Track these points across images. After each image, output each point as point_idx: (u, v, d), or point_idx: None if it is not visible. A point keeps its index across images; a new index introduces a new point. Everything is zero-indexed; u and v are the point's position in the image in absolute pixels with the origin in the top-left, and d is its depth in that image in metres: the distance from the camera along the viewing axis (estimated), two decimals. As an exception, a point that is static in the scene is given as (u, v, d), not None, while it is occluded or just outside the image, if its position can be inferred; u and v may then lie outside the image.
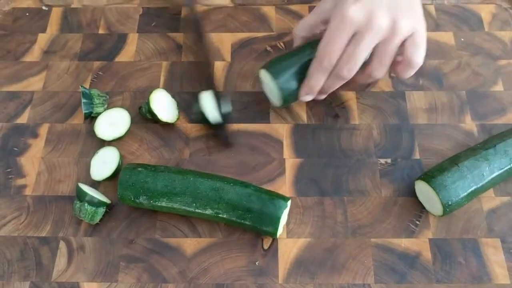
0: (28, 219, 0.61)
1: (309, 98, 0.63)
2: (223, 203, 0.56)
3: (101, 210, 0.60)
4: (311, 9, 0.76)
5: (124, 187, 0.58)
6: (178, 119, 0.67)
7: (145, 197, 0.57)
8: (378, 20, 0.54)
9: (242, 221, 0.57)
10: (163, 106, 0.66)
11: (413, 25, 0.56)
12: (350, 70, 0.57)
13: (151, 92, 0.66)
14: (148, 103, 0.65)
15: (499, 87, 0.69)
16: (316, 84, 0.61)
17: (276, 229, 0.56)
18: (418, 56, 0.58)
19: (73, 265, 0.58)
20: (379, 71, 0.59)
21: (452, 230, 0.60)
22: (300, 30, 0.65)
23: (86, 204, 0.58)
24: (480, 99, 0.68)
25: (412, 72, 0.60)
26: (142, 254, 0.59)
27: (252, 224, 0.57)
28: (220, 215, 0.57)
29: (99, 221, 0.60)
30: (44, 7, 0.78)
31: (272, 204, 0.56)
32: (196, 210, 0.57)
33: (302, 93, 0.62)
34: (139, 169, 0.58)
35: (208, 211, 0.57)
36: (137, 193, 0.57)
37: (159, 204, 0.57)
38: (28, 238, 0.60)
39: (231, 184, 0.57)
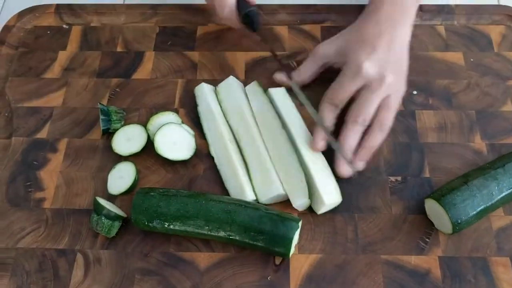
0: (46, 231, 0.63)
1: (322, 143, 0.64)
2: (235, 225, 0.57)
3: (118, 223, 0.61)
4: (322, 29, 0.78)
5: (137, 212, 0.59)
6: (195, 153, 0.66)
7: (158, 221, 0.59)
8: (387, 78, 0.62)
9: (255, 242, 0.58)
10: (175, 142, 0.66)
11: (404, 88, 0.66)
12: (365, 120, 0.63)
13: (158, 130, 0.65)
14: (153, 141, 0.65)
15: (508, 107, 0.70)
16: (327, 121, 0.64)
17: (289, 250, 0.57)
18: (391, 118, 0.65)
19: (89, 277, 0.60)
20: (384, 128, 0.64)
21: (462, 248, 0.60)
22: (317, 57, 0.69)
23: (103, 218, 0.60)
24: (490, 119, 0.69)
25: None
26: (156, 267, 0.60)
27: (265, 246, 0.58)
28: (232, 237, 0.58)
29: (115, 234, 0.62)
30: (64, 26, 0.81)
31: (284, 226, 0.57)
32: (209, 233, 0.58)
33: (317, 139, 0.64)
34: (152, 193, 0.60)
35: (221, 234, 0.58)
36: (150, 217, 0.59)
37: (172, 228, 0.59)
38: (46, 250, 0.62)
39: (243, 206, 0.58)
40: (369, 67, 0.62)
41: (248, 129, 0.67)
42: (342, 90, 0.64)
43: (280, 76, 0.72)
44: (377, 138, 0.63)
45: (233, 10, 0.70)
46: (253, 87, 0.70)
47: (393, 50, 0.64)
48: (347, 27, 0.69)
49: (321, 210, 0.62)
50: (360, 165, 0.63)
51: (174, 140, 0.66)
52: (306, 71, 0.71)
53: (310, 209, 0.63)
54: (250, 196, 0.62)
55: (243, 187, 0.63)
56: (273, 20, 0.80)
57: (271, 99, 0.69)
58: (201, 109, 0.70)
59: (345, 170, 0.63)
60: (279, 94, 0.70)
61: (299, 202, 0.62)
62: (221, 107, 0.70)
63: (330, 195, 0.61)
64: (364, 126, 0.63)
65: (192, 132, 0.68)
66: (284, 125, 0.66)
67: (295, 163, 0.63)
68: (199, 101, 0.71)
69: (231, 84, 0.70)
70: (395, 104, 0.64)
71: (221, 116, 0.69)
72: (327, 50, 0.69)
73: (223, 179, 0.65)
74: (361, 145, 0.63)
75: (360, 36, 0.65)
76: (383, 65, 0.63)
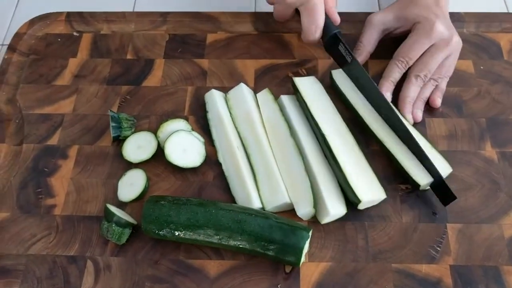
0: (57, 238, 0.63)
1: (389, 94, 0.69)
2: (245, 235, 0.57)
3: (128, 230, 0.61)
4: (332, 36, 0.78)
5: (147, 221, 0.59)
6: (205, 160, 0.67)
7: (168, 229, 0.59)
8: (454, 38, 0.69)
9: (265, 252, 0.58)
10: (184, 149, 0.66)
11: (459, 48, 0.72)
12: (426, 76, 0.68)
13: (168, 137, 0.66)
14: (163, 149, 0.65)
15: (519, 115, 0.70)
16: (394, 76, 0.69)
17: (299, 259, 0.57)
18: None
19: (99, 284, 0.60)
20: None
21: (473, 257, 0.60)
22: (375, 24, 0.72)
23: (113, 225, 0.60)
24: (500, 126, 0.69)
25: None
26: (166, 274, 0.60)
27: (275, 255, 0.58)
28: (243, 246, 0.58)
29: (126, 241, 0.62)
30: (75, 33, 0.81)
31: (294, 235, 0.57)
32: (219, 242, 0.58)
33: (383, 88, 0.68)
34: (162, 202, 0.60)
35: (231, 243, 0.58)
36: (160, 226, 0.59)
37: (182, 236, 0.59)
38: (56, 257, 0.62)
39: (253, 215, 0.58)
40: (440, 27, 0.68)
41: (257, 136, 0.67)
42: (416, 48, 0.68)
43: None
44: (429, 91, 0.70)
45: (320, 31, 0.71)
46: (264, 95, 0.70)
47: (447, 13, 0.71)
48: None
49: (325, 220, 0.62)
50: (419, 114, 0.69)
51: (184, 148, 0.66)
52: (369, 41, 0.73)
53: (320, 217, 0.63)
54: (256, 204, 0.62)
55: (249, 195, 0.63)
56: (282, 28, 0.80)
57: (281, 107, 0.69)
58: (211, 115, 0.70)
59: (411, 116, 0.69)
60: (289, 102, 0.70)
61: (303, 211, 0.62)
62: (230, 114, 0.70)
63: (335, 206, 0.61)
64: (424, 81, 0.69)
65: (202, 139, 0.68)
66: (293, 133, 0.67)
67: (302, 171, 0.63)
68: (209, 107, 0.71)
69: (241, 91, 0.71)
70: (453, 63, 0.71)
71: (230, 123, 0.69)
72: (384, 17, 0.72)
73: (230, 186, 0.65)
74: (417, 96, 0.69)
75: (417, 3, 0.71)
76: (449, 26, 0.69)
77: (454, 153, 0.67)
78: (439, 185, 0.62)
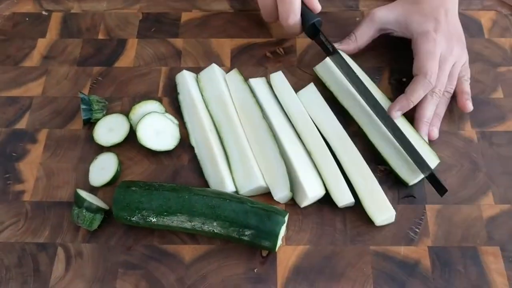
0: (26, 225, 0.61)
1: (399, 114, 0.64)
2: (219, 221, 0.56)
3: (99, 216, 0.59)
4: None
5: (118, 208, 0.57)
6: (179, 143, 0.65)
7: (140, 216, 0.57)
8: (455, 49, 0.67)
9: (240, 237, 0.56)
10: (157, 131, 0.64)
11: (466, 56, 0.70)
12: (440, 90, 0.65)
13: (140, 119, 0.63)
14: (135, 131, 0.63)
15: (499, 94, 0.69)
16: (417, 99, 0.64)
17: (275, 244, 0.56)
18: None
19: (70, 271, 0.58)
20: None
21: (451, 238, 0.59)
22: (375, 21, 0.70)
23: (84, 211, 0.58)
24: (480, 106, 0.68)
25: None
26: (140, 261, 0.59)
27: (251, 241, 0.56)
28: (217, 232, 0.57)
29: (97, 227, 0.60)
30: (44, 12, 0.78)
31: (270, 221, 0.56)
32: (193, 228, 0.57)
33: (396, 107, 0.64)
34: (133, 188, 0.58)
35: (206, 228, 0.57)
36: (132, 213, 0.57)
37: (155, 223, 0.57)
38: (26, 244, 0.60)
39: (227, 200, 0.57)
40: (440, 39, 0.66)
41: (229, 119, 0.65)
42: (432, 62, 0.65)
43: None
44: (444, 105, 0.67)
45: (298, 19, 0.68)
46: (233, 76, 0.68)
47: (451, 20, 0.68)
48: None
49: (304, 203, 0.61)
50: (435, 132, 0.65)
51: (157, 130, 0.64)
52: (362, 36, 0.70)
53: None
54: (230, 188, 0.61)
55: (223, 178, 0.61)
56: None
57: (251, 89, 0.67)
58: (182, 97, 0.68)
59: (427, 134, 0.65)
60: (259, 84, 0.68)
61: (280, 194, 0.60)
62: (202, 96, 0.68)
63: (313, 188, 0.60)
64: (439, 96, 0.65)
65: (176, 121, 0.66)
66: (265, 116, 0.65)
67: (277, 155, 0.62)
68: (180, 89, 0.69)
69: (213, 72, 0.68)
70: (457, 71, 0.68)
71: (202, 105, 0.67)
72: (386, 17, 0.70)
73: (203, 170, 0.64)
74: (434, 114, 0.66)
75: (420, 9, 0.68)
76: (448, 36, 0.67)
77: (433, 133, 0.66)
78: (430, 178, 0.61)
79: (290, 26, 0.69)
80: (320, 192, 0.60)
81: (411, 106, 0.64)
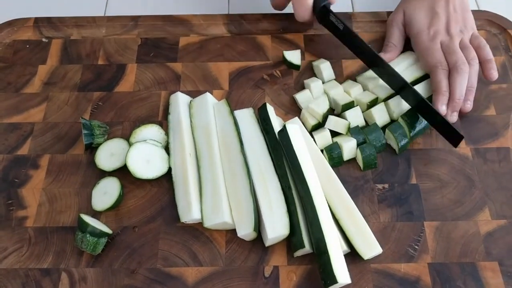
0: (29, 251, 0.61)
1: (445, 108, 0.67)
2: None
3: (103, 240, 0.60)
4: (305, 37, 0.78)
5: None
6: (169, 169, 0.65)
7: None
8: (457, 20, 0.73)
9: None
10: (147, 160, 0.64)
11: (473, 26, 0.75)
12: (464, 63, 0.68)
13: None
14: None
15: (491, 111, 0.71)
16: (445, 86, 0.68)
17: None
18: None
19: (75, 296, 0.58)
20: None
21: (451, 254, 0.60)
22: (393, 25, 0.76)
23: (88, 235, 0.59)
24: (474, 123, 0.70)
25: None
26: (144, 284, 0.59)
27: None
28: None
29: (101, 251, 0.60)
30: (44, 39, 0.79)
31: None
32: None
33: (439, 104, 0.67)
34: None
35: None
36: None
37: None
38: (29, 270, 0.60)
39: None
40: (437, 32, 0.71)
41: (210, 149, 0.65)
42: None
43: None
44: (475, 76, 0.70)
45: (309, 12, 0.73)
46: (221, 106, 0.68)
47: (453, 4, 0.73)
48: None
49: (267, 243, 0.60)
50: (469, 105, 0.69)
51: (147, 159, 0.65)
52: (397, 41, 0.75)
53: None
54: (195, 216, 0.61)
55: (190, 204, 0.61)
56: (255, 30, 0.79)
57: (236, 120, 0.67)
58: (171, 118, 0.69)
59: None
60: (245, 117, 0.68)
61: (243, 232, 0.60)
62: (191, 121, 0.69)
63: (274, 229, 0.59)
64: (465, 70, 0.68)
65: (159, 143, 0.66)
66: (243, 150, 0.64)
67: (247, 192, 0.61)
68: (171, 109, 0.70)
69: (205, 100, 0.69)
70: (467, 39, 0.72)
71: (188, 129, 0.68)
72: (396, 18, 0.76)
73: (175, 192, 0.64)
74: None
75: (418, 2, 0.74)
76: (448, 23, 0.72)
77: (429, 151, 0.68)
78: (444, 127, 0.65)
79: (304, 19, 0.73)
80: (283, 232, 0.59)
81: (447, 95, 0.67)
